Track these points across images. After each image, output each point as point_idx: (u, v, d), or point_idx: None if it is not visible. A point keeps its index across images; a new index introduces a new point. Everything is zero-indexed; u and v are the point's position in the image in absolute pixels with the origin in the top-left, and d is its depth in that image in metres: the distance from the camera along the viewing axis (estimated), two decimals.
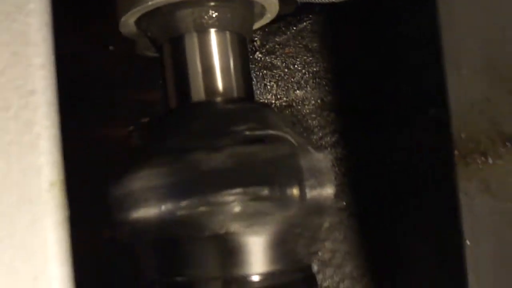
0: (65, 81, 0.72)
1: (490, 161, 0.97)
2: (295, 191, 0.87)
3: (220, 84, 0.94)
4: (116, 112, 1.23)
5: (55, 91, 0.68)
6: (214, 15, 0.93)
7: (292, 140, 0.91)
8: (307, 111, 1.27)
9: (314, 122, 1.26)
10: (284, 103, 1.26)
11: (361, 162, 1.26)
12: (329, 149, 1.24)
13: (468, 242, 0.97)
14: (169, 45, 0.96)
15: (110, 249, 1.14)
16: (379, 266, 1.25)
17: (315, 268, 1.18)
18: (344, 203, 1.25)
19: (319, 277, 1.22)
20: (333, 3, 1.10)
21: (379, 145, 1.25)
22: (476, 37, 0.98)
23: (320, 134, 1.26)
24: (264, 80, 1.26)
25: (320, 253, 1.24)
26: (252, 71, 1.23)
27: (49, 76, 0.67)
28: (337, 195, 1.20)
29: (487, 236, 0.97)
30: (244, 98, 0.96)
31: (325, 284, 1.24)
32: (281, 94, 1.26)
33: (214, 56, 0.94)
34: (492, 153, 0.96)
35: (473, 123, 0.97)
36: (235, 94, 0.95)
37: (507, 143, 0.95)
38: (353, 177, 1.26)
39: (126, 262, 1.03)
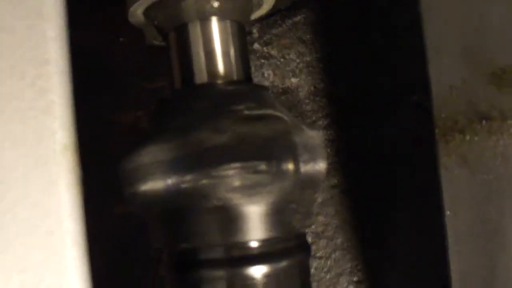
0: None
1: (468, 138, 0.97)
2: (290, 166, 0.88)
3: (221, 68, 0.94)
4: (126, 99, 1.23)
5: (68, 61, 0.68)
6: (215, 5, 0.93)
7: (287, 119, 0.92)
8: (301, 97, 1.27)
9: (307, 107, 1.27)
10: (280, 90, 1.27)
11: (350, 143, 1.26)
12: (321, 131, 1.25)
13: (448, 212, 0.97)
14: (175, 33, 0.96)
15: (122, 224, 1.15)
16: (367, 238, 1.26)
17: (309, 239, 1.18)
18: (336, 181, 1.26)
19: (312, 248, 1.22)
20: None
21: (367, 127, 1.25)
22: (455, 25, 0.98)
23: (313, 118, 1.26)
24: (262, 68, 1.27)
25: (313, 226, 1.24)
26: (251, 61, 1.24)
27: (62, 48, 0.67)
28: (329, 173, 1.21)
29: (465, 207, 0.97)
30: (243, 81, 0.96)
31: (318, 254, 1.25)
32: (277, 82, 1.27)
33: (216, 42, 0.94)
34: (470, 131, 0.97)
35: (452, 104, 0.97)
36: (234, 77, 0.95)
37: (483, 121, 0.96)
38: (344, 156, 1.26)
39: (136, 235, 1.03)
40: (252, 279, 0.87)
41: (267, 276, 0.88)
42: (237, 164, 0.85)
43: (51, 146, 0.64)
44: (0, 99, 0.63)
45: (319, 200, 1.23)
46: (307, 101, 1.27)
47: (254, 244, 0.88)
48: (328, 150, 1.24)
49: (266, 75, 1.27)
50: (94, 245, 0.70)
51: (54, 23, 0.66)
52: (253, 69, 1.24)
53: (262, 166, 0.86)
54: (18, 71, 0.64)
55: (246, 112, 0.89)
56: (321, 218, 1.25)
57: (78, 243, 0.65)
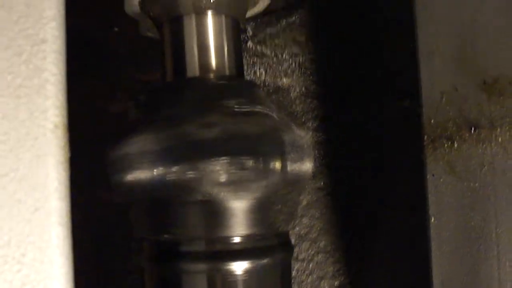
0: (72, 55, 0.73)
1: (456, 145, 0.98)
2: (277, 163, 0.88)
3: (213, 62, 0.95)
4: (118, 88, 1.23)
5: (64, 42, 0.69)
6: None
7: (277, 117, 0.92)
8: (292, 97, 1.28)
9: (298, 107, 1.28)
10: (271, 89, 1.27)
11: (339, 146, 1.27)
12: (310, 133, 1.26)
13: (432, 218, 0.99)
14: (169, 25, 0.97)
15: (104, 211, 1.16)
16: (351, 242, 1.27)
17: (292, 240, 1.19)
18: (322, 183, 1.26)
19: (295, 250, 1.23)
20: None
21: (356, 130, 1.26)
22: (448, 32, 0.99)
23: (303, 119, 1.27)
24: (255, 67, 1.27)
25: (297, 227, 1.25)
26: (244, 59, 1.25)
27: (59, 28, 0.68)
28: (315, 175, 1.22)
29: (450, 213, 0.98)
30: (235, 76, 0.97)
31: (301, 256, 1.25)
32: (269, 81, 1.28)
33: (210, 37, 0.95)
34: (458, 138, 0.98)
35: (442, 110, 0.99)
36: (226, 72, 0.96)
37: (472, 129, 0.97)
38: (331, 159, 1.27)
39: (119, 223, 1.04)
40: (232, 274, 0.87)
41: (247, 272, 0.88)
42: (224, 159, 0.85)
43: (41, 123, 0.64)
44: None
45: (304, 202, 1.24)
46: (298, 101, 1.28)
47: (236, 239, 0.88)
48: (316, 152, 1.25)
49: (258, 73, 1.27)
50: (75, 230, 0.71)
51: (53, 3, 0.67)
52: (245, 67, 1.24)
53: (249, 162, 0.86)
54: (15, 48, 0.65)
55: (236, 107, 0.90)
56: (305, 220, 1.25)
57: (62, 221, 0.65)
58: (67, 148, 0.68)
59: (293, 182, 0.92)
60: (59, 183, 0.66)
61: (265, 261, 0.90)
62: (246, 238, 0.89)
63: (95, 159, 0.92)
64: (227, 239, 0.88)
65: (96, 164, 0.92)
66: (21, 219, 0.64)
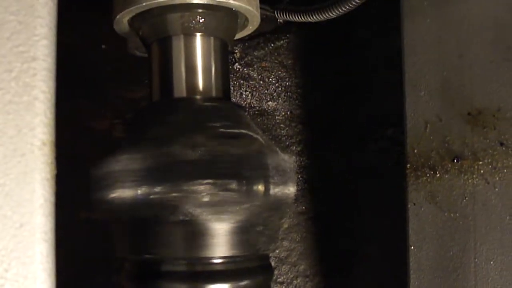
0: (59, 71, 0.74)
1: (438, 175, 1.00)
2: (260, 186, 0.89)
3: (200, 83, 0.96)
4: (104, 106, 1.24)
5: (54, 60, 0.70)
6: (201, 21, 0.95)
7: (261, 140, 0.93)
8: (277, 121, 1.29)
9: (282, 131, 1.29)
10: (256, 112, 1.29)
11: (322, 171, 1.28)
12: (294, 157, 1.27)
13: (412, 247, 1.00)
14: (158, 45, 0.98)
15: (86, 229, 1.16)
16: (331, 267, 1.28)
17: (272, 263, 1.19)
18: (303, 207, 1.28)
19: (275, 273, 1.23)
20: (309, 22, 1.12)
21: (339, 156, 1.28)
22: (435, 63, 1.01)
23: (287, 143, 1.29)
24: (241, 89, 1.29)
25: (277, 251, 1.26)
26: (231, 80, 1.26)
27: (50, 46, 0.69)
28: (297, 199, 1.24)
29: (430, 242, 0.99)
30: (222, 98, 0.98)
31: (280, 279, 1.26)
32: (254, 104, 1.29)
33: (198, 58, 0.96)
34: (440, 168, 0.99)
35: (425, 140, 1.00)
36: (213, 94, 0.97)
37: (455, 160, 0.99)
38: (314, 184, 1.28)
39: (101, 242, 1.04)
40: None
41: None
42: (208, 181, 0.86)
43: (29, 140, 0.65)
44: None
45: (285, 225, 1.25)
46: (283, 125, 1.29)
47: (217, 260, 0.89)
48: (299, 176, 1.27)
49: (244, 96, 1.29)
50: (57, 248, 0.71)
51: (45, 21, 0.68)
52: (231, 89, 1.25)
53: (232, 185, 0.87)
54: (5, 64, 0.66)
55: (221, 129, 0.91)
56: (285, 244, 1.27)
57: (47, 238, 0.66)
58: (53, 165, 0.68)
59: (276, 206, 0.92)
60: (45, 199, 0.66)
61: (245, 283, 0.91)
62: (227, 259, 0.89)
63: (76, 176, 0.92)
64: (208, 260, 0.89)
65: (77, 181, 0.92)
66: (5, 234, 0.64)
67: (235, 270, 0.90)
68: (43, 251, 0.66)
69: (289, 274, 1.26)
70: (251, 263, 0.93)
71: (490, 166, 0.97)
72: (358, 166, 1.27)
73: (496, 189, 0.96)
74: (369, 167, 1.26)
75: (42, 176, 0.66)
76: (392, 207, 1.08)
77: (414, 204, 1.01)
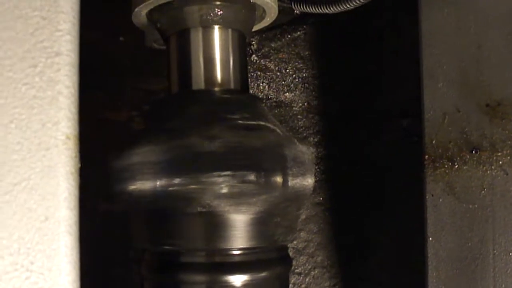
0: (79, 65, 0.74)
1: (456, 166, 1.00)
2: (279, 178, 0.90)
3: (219, 75, 0.96)
4: (122, 98, 1.25)
5: (77, 55, 0.71)
6: (219, 13, 0.95)
7: (279, 131, 0.94)
8: (295, 112, 1.30)
9: (300, 122, 1.29)
10: (274, 103, 1.29)
11: (339, 162, 1.29)
12: (312, 148, 1.27)
13: (430, 238, 1.00)
14: (176, 37, 0.98)
15: (104, 221, 1.17)
16: (348, 258, 1.28)
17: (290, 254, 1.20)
18: (321, 198, 1.28)
19: (293, 263, 1.24)
20: (326, 13, 1.13)
21: (357, 147, 1.28)
22: (453, 53, 1.01)
23: (305, 134, 1.29)
24: (258, 80, 1.29)
25: (295, 242, 1.26)
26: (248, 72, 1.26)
27: (73, 41, 0.70)
28: (315, 190, 1.24)
29: (448, 234, 1.00)
30: (240, 90, 0.99)
31: (298, 270, 1.27)
32: (272, 95, 1.29)
33: (216, 50, 0.97)
34: (459, 159, 1.00)
35: (443, 131, 1.00)
36: (232, 86, 0.97)
37: (473, 151, 0.99)
38: (331, 175, 1.29)
39: (120, 234, 1.05)
40: (231, 286, 0.89)
41: (246, 284, 0.90)
42: (226, 172, 0.86)
43: (53, 134, 0.66)
44: (11, 83, 0.66)
45: (303, 216, 1.25)
46: (300, 116, 1.30)
47: (236, 252, 0.90)
48: (316, 167, 1.27)
49: (261, 87, 1.29)
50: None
51: (68, 17, 0.69)
52: (249, 81, 1.26)
53: (251, 176, 0.87)
54: (30, 59, 0.67)
55: (240, 121, 0.91)
56: (303, 235, 1.27)
57: (71, 231, 0.67)
58: (77, 159, 0.69)
59: (294, 197, 0.93)
60: (69, 193, 0.67)
61: (263, 274, 0.92)
62: (245, 251, 0.90)
63: (96, 168, 0.93)
64: (227, 251, 0.90)
65: (97, 174, 0.93)
66: (31, 227, 0.65)
67: (254, 261, 0.91)
68: (68, 243, 0.67)
69: (307, 265, 1.27)
70: (270, 254, 0.94)
71: (509, 157, 0.97)
72: (375, 157, 1.27)
73: None
74: (386, 158, 1.26)
75: (67, 170, 0.67)
76: (410, 198, 1.08)
77: (432, 195, 1.01)
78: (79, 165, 0.70)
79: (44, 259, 0.66)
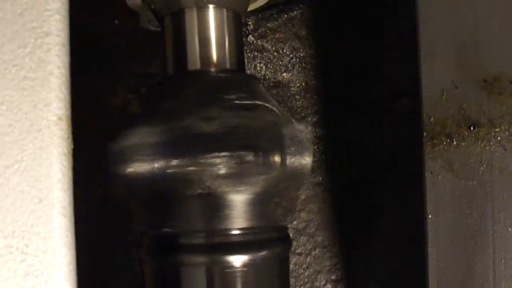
0: (72, 49, 0.74)
1: (455, 143, 0.99)
2: (277, 158, 0.89)
3: (214, 56, 0.95)
4: (118, 81, 1.24)
5: (68, 35, 0.70)
6: None
7: (277, 111, 0.93)
8: (292, 92, 1.29)
9: (298, 103, 1.29)
10: (271, 84, 1.28)
11: (337, 141, 1.28)
12: (310, 128, 1.26)
13: (430, 215, 1.00)
14: (170, 18, 0.97)
15: (103, 206, 1.17)
16: (349, 238, 1.28)
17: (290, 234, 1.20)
18: (320, 178, 1.28)
19: (293, 244, 1.24)
20: None
21: (355, 126, 1.27)
22: (450, 30, 1.00)
23: (303, 114, 1.28)
24: (255, 61, 1.28)
25: (295, 222, 1.26)
26: (244, 53, 1.25)
27: (63, 21, 0.69)
28: (314, 170, 1.23)
29: (447, 211, 0.99)
30: (236, 70, 0.98)
31: (298, 250, 1.27)
32: (269, 75, 1.28)
33: (211, 30, 0.96)
34: (457, 136, 0.99)
35: (441, 108, 0.99)
36: (228, 66, 0.96)
37: (471, 127, 0.98)
38: (330, 155, 1.28)
39: (118, 218, 1.05)
40: (231, 266, 0.89)
41: (246, 264, 0.89)
42: (224, 153, 0.86)
43: (45, 115, 0.65)
44: (0, 65, 0.65)
45: (303, 196, 1.25)
46: (298, 97, 1.29)
47: (235, 232, 0.90)
48: (315, 147, 1.26)
49: (258, 68, 1.28)
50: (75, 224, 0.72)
51: None
52: (246, 61, 1.25)
53: (249, 157, 0.87)
54: (20, 40, 0.66)
55: (237, 101, 0.91)
56: (303, 215, 1.27)
57: (65, 212, 0.66)
58: (70, 140, 0.69)
59: (292, 176, 0.93)
60: (63, 174, 0.67)
61: (263, 253, 0.91)
62: (245, 231, 0.90)
63: (92, 152, 0.93)
64: (226, 231, 0.89)
65: (93, 158, 0.93)
66: (24, 209, 0.65)
67: (253, 241, 0.91)
68: (63, 225, 0.67)
69: (308, 245, 1.27)
70: (269, 234, 0.93)
71: (507, 133, 0.96)
72: (373, 136, 1.26)
73: None
74: (384, 136, 1.25)
75: (59, 151, 0.67)
76: (409, 176, 1.07)
77: (432, 172, 1.00)
78: (72, 147, 0.69)
79: (39, 241, 0.65)
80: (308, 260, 1.27)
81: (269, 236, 0.93)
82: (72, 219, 0.69)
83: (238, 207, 0.89)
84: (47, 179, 0.66)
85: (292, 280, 1.24)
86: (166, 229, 0.91)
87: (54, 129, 0.66)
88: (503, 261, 0.97)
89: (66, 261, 0.67)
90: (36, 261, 0.66)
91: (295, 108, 1.28)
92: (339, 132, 1.28)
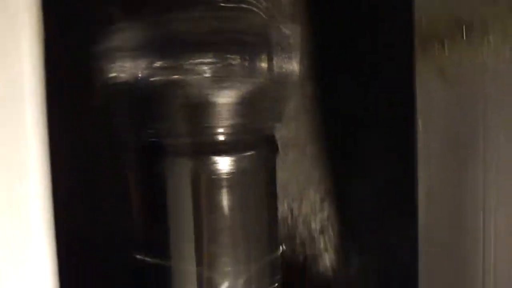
0: None
1: (447, 49, 0.97)
2: (263, 62, 0.88)
3: None
4: None
5: None
6: None
7: (264, 14, 0.91)
8: None
9: None
10: None
11: (329, 46, 1.24)
12: (299, 29, 1.21)
13: (420, 125, 0.98)
14: None
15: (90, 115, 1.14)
16: (338, 148, 1.26)
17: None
18: (309, 89, 1.24)
19: (281, 156, 1.22)
20: None
21: (347, 35, 1.24)
22: None
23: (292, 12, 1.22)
24: None
25: (284, 132, 1.23)
26: None
27: None
28: (304, 79, 1.20)
29: (438, 118, 0.98)
30: None
31: (287, 162, 1.24)
32: None
33: None
34: (449, 41, 0.97)
35: (434, 11, 0.97)
36: None
37: (464, 33, 0.96)
38: (319, 65, 1.25)
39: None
40: (217, 168, 0.89)
41: (232, 165, 0.89)
42: (209, 56, 0.85)
43: None
44: None
45: (291, 107, 1.22)
46: None
47: (221, 130, 0.89)
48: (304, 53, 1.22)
49: None
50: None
51: None
52: None
53: (235, 60, 0.86)
54: None
55: (222, 3, 0.89)
56: (292, 126, 1.24)
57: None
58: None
59: (279, 81, 0.92)
60: None
61: (250, 153, 0.91)
62: (231, 130, 0.90)
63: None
64: (211, 131, 0.89)
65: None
66: None
67: (240, 140, 0.91)
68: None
69: (296, 156, 1.25)
70: (256, 135, 0.93)
71: (500, 37, 0.93)
72: (363, 46, 1.23)
73: (507, 57, 0.93)
74: (374, 39, 1.21)
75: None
76: (400, 84, 1.06)
77: (422, 78, 0.98)
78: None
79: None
80: (297, 171, 1.25)
81: (255, 138, 0.93)
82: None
83: (223, 110, 0.88)
84: None
85: (279, 191, 1.22)
86: (150, 131, 0.91)
87: None
88: (494, 169, 0.95)
89: None
90: None
91: (283, 5, 1.22)
92: (330, 37, 1.24)
